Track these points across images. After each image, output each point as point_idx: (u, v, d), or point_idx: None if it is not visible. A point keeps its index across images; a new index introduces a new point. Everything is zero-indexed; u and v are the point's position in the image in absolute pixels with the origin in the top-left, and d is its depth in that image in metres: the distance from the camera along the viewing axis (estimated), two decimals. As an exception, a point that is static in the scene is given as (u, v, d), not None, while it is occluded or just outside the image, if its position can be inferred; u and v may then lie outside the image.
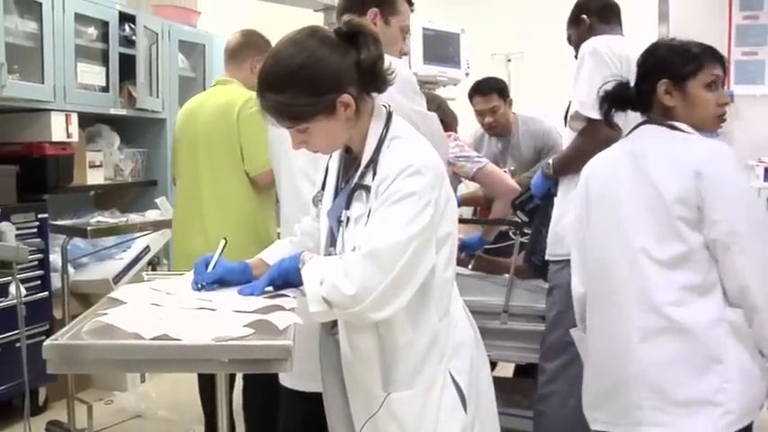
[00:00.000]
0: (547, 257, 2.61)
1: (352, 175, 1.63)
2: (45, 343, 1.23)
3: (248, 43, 2.93)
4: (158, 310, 1.49)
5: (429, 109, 2.25)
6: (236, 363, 1.27)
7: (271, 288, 1.61)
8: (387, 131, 1.60)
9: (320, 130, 1.56)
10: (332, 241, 1.68)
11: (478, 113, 3.63)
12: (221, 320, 1.42)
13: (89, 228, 3.05)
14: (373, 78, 1.57)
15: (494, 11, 5.23)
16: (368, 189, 1.56)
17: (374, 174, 1.56)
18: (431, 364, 1.59)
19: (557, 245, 2.56)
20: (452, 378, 1.61)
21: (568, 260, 2.53)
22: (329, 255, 1.66)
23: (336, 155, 1.73)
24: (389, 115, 1.63)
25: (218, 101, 2.84)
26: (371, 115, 1.61)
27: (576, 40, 2.73)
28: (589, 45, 2.51)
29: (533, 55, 4.97)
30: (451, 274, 1.65)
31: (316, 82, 1.50)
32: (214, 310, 1.52)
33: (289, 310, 1.52)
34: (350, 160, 1.68)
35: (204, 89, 4.75)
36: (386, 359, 1.59)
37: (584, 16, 2.71)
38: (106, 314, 1.39)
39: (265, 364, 1.27)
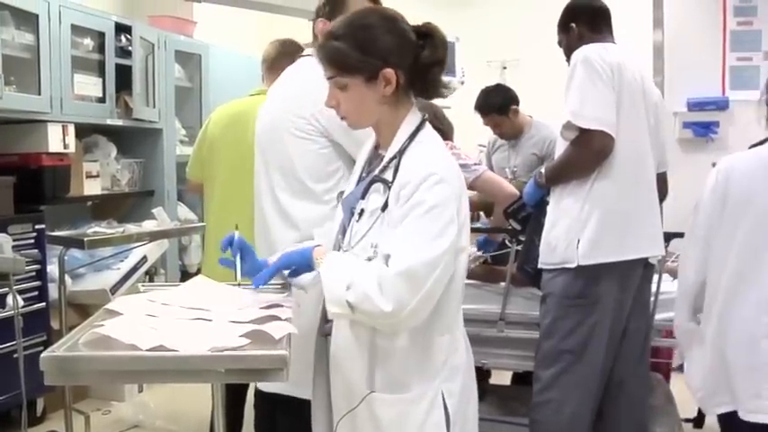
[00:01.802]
0: (540, 266, 2.61)
1: (375, 167, 1.70)
2: (42, 355, 1.23)
3: (285, 53, 2.93)
4: (154, 320, 1.50)
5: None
6: (232, 373, 1.27)
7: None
8: (416, 134, 1.65)
9: (355, 94, 1.62)
10: (343, 230, 1.72)
11: (485, 125, 3.88)
12: (217, 331, 1.43)
13: (86, 239, 3.05)
14: (424, 78, 1.64)
15: (489, 18, 5.25)
16: (386, 183, 1.61)
17: (395, 171, 1.60)
18: (423, 377, 1.61)
19: (549, 253, 2.57)
20: (443, 399, 1.62)
21: (561, 269, 2.55)
22: (338, 244, 1.71)
23: (366, 149, 1.80)
24: (423, 122, 1.68)
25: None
26: (408, 113, 1.67)
27: (565, 47, 2.75)
28: (580, 54, 2.52)
29: (529, 62, 4.98)
30: (458, 287, 1.66)
31: (370, 43, 1.60)
32: (210, 320, 1.52)
33: (284, 320, 1.52)
34: (376, 155, 1.75)
35: (201, 99, 4.83)
36: (374, 359, 1.61)
37: (573, 24, 2.72)
38: (103, 325, 1.40)
39: (261, 374, 1.28)
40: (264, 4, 3.98)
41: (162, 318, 1.53)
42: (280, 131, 2.13)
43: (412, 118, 1.66)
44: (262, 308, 1.63)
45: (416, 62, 1.62)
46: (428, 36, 1.65)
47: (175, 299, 1.69)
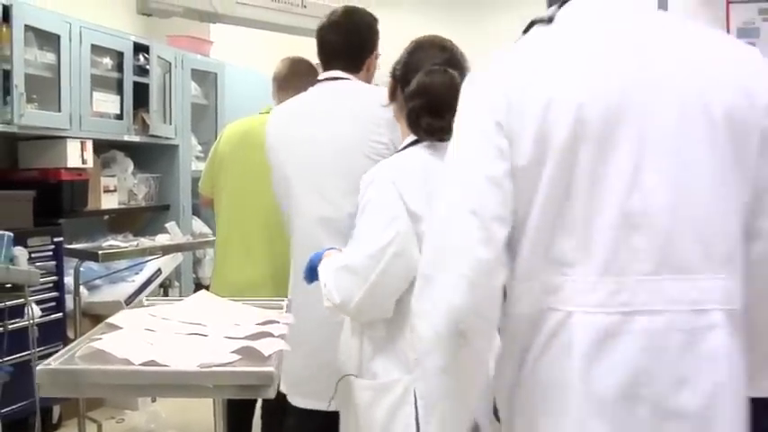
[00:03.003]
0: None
1: None
2: (38, 367, 1.31)
3: (295, 72, 2.97)
4: (152, 335, 1.58)
5: None
6: (220, 388, 1.34)
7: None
8: (397, 149, 1.84)
9: None
10: None
11: None
12: (211, 346, 1.51)
13: (100, 252, 3.16)
14: (420, 109, 1.73)
15: (489, 35, 5.31)
16: None
17: None
18: (395, 368, 1.69)
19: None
20: (415, 396, 1.62)
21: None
22: None
23: None
24: (413, 143, 1.79)
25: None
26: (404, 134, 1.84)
27: None
28: None
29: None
30: None
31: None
32: (206, 336, 1.60)
33: (277, 336, 1.60)
34: None
35: (216, 116, 4.94)
36: (361, 346, 1.76)
37: None
38: (100, 339, 1.48)
39: (249, 390, 1.35)
40: (278, 25, 4.09)
41: (160, 332, 1.61)
42: (352, 154, 2.17)
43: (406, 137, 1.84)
44: (258, 324, 1.71)
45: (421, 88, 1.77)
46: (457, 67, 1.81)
47: (176, 314, 1.77)
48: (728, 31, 4.33)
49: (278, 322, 1.70)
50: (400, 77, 1.83)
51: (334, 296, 1.65)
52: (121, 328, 1.65)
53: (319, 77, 2.36)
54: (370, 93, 2.29)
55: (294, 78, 2.95)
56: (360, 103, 2.24)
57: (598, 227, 1.18)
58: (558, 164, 1.18)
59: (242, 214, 2.91)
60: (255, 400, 3.02)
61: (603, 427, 1.15)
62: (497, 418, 1.42)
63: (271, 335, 1.59)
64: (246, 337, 1.56)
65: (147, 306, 1.93)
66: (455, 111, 1.30)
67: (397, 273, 1.63)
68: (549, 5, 1.33)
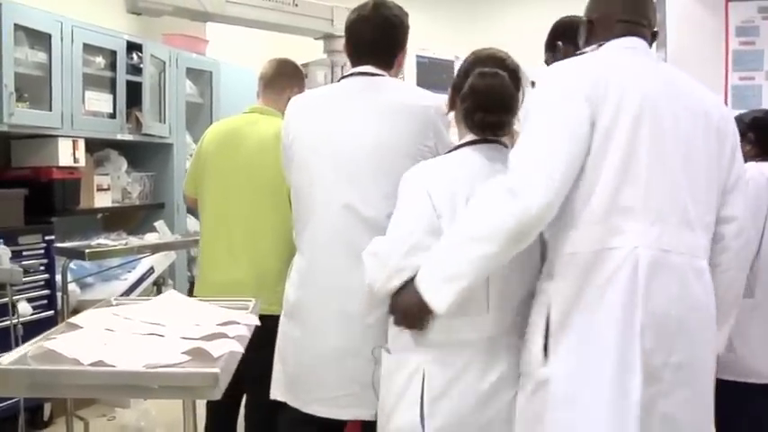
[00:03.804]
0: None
1: None
2: (-17, 368, 1.32)
3: (282, 73, 2.96)
4: (109, 335, 1.58)
5: None
6: (165, 389, 1.34)
7: None
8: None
9: None
10: None
11: None
12: (164, 347, 1.51)
13: (87, 250, 3.17)
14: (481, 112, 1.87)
15: (493, 37, 5.28)
16: None
17: None
18: (411, 345, 1.82)
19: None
20: (423, 377, 1.78)
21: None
22: None
23: None
24: (460, 146, 1.94)
25: (266, 132, 2.78)
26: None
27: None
28: None
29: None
30: None
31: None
32: (163, 336, 1.60)
33: (233, 337, 1.59)
34: None
35: (212, 114, 4.94)
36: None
37: (560, 43, 2.75)
38: (55, 339, 1.48)
39: (194, 392, 1.34)
40: (269, 23, 4.08)
41: (118, 332, 1.61)
42: (395, 156, 2.10)
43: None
44: (219, 324, 1.71)
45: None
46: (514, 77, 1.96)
47: (139, 313, 1.77)
48: (727, 29, 4.34)
49: (238, 323, 1.70)
50: (458, 86, 1.93)
51: (366, 279, 1.82)
52: (82, 327, 1.65)
53: (351, 71, 2.28)
54: (420, 94, 2.26)
55: (280, 79, 2.95)
56: (410, 104, 2.17)
57: (654, 188, 1.68)
58: (628, 129, 1.68)
59: (225, 214, 2.90)
60: (239, 402, 3.01)
61: (650, 338, 1.63)
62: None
63: (226, 336, 1.58)
64: (202, 338, 1.55)
65: (115, 305, 1.93)
66: (507, 108, 1.85)
67: (415, 263, 1.75)
68: (585, 46, 1.95)
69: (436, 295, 1.69)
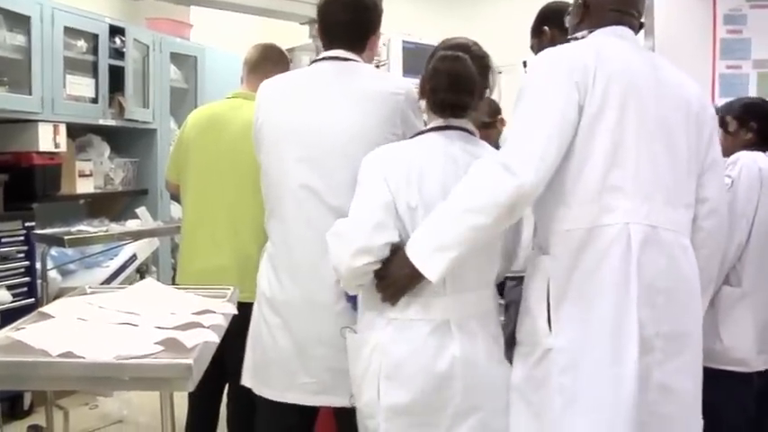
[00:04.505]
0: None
1: None
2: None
3: (267, 58, 2.91)
4: (81, 325, 1.54)
5: None
6: (136, 381, 1.30)
7: None
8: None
9: None
10: None
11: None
12: (137, 337, 1.47)
13: (66, 237, 3.12)
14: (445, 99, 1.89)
15: (485, 23, 5.25)
16: None
17: None
18: (373, 324, 1.86)
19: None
20: (381, 355, 1.81)
21: (523, 276, 2.56)
22: None
23: None
24: (423, 131, 1.98)
25: (249, 117, 2.62)
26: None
27: (538, 51, 2.74)
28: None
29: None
30: None
31: None
32: (136, 325, 1.56)
33: (207, 327, 1.56)
34: None
35: (196, 100, 4.88)
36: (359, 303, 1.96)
37: (546, 28, 2.72)
38: (24, 329, 1.44)
39: (166, 383, 1.31)
40: (254, 8, 4.02)
41: (91, 322, 1.57)
42: (363, 144, 2.05)
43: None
44: (194, 313, 1.68)
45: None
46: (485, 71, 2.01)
47: (114, 302, 1.74)
48: (714, 17, 4.32)
49: (214, 312, 1.66)
50: (425, 73, 1.96)
51: (331, 261, 1.82)
52: (53, 317, 1.61)
53: (322, 56, 2.25)
54: (391, 80, 2.23)
55: (265, 64, 2.90)
56: (380, 90, 2.14)
57: (642, 168, 1.79)
58: (615, 114, 1.78)
59: (208, 200, 2.86)
60: (221, 390, 2.99)
61: (643, 309, 1.74)
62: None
63: (201, 325, 1.55)
64: (176, 328, 1.52)
65: (90, 294, 1.89)
66: (467, 90, 1.88)
67: (377, 241, 1.77)
68: (574, 32, 2.03)
69: (428, 264, 1.74)
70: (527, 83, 1.84)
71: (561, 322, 1.81)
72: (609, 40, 1.93)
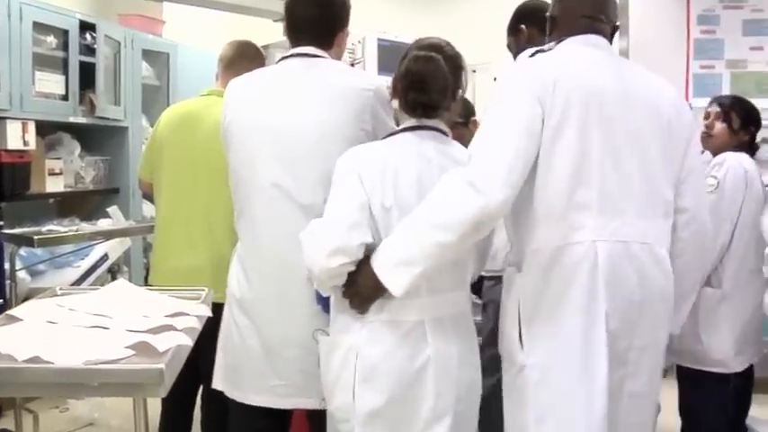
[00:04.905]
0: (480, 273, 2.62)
1: None
2: None
3: (243, 55, 2.87)
4: (50, 328, 1.50)
5: None
6: (106, 387, 1.27)
7: None
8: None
9: None
10: None
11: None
12: (107, 341, 1.44)
13: (36, 237, 3.06)
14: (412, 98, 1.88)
15: (458, 21, 5.24)
16: None
17: None
18: (347, 327, 1.85)
19: (490, 261, 2.56)
20: (356, 357, 1.80)
21: (501, 276, 2.55)
22: None
23: None
24: (396, 131, 1.96)
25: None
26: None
27: (515, 50, 2.74)
28: (526, 57, 2.52)
29: (500, 65, 4.97)
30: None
31: None
32: (107, 328, 1.53)
33: (181, 330, 1.53)
34: None
35: (168, 97, 4.82)
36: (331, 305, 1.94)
37: (523, 26, 2.71)
38: (-10, 333, 1.40)
39: (137, 389, 1.28)
40: (231, 5, 3.98)
41: (60, 325, 1.53)
42: (332, 141, 2.05)
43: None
44: (167, 315, 1.64)
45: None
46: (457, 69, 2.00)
47: (84, 304, 1.70)
48: (688, 18, 4.35)
49: (187, 314, 1.63)
50: (397, 72, 1.95)
51: (306, 262, 1.81)
52: (22, 320, 1.56)
53: (290, 52, 2.22)
54: (360, 76, 2.21)
55: (241, 61, 2.86)
56: (349, 87, 2.12)
57: (608, 183, 1.79)
58: (576, 128, 1.77)
59: (182, 199, 2.82)
60: (195, 393, 2.94)
61: (614, 324, 1.77)
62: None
63: (174, 328, 1.51)
64: (148, 331, 1.48)
65: (60, 295, 1.85)
66: (438, 89, 1.86)
67: (353, 241, 1.75)
68: (548, 41, 2.02)
69: (392, 278, 1.74)
70: (493, 98, 1.85)
71: (533, 340, 1.83)
72: (577, 50, 1.92)
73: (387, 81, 2.11)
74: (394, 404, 1.80)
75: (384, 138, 1.97)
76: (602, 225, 1.78)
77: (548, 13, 2.06)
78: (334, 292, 1.88)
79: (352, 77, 2.17)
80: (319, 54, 2.18)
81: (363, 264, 1.77)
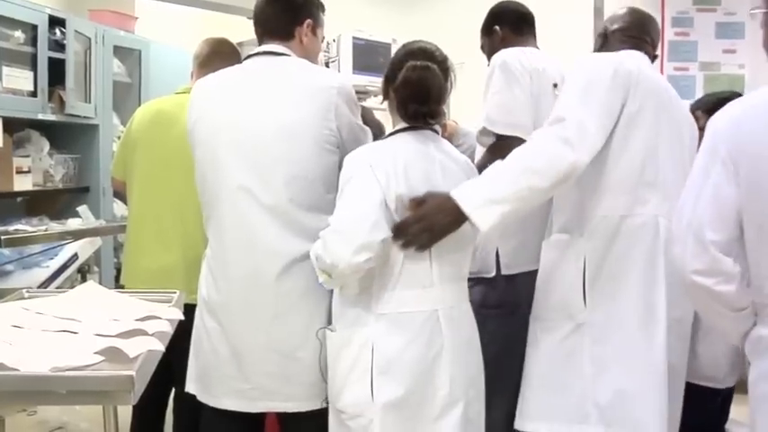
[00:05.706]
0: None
1: None
2: None
3: (218, 52, 2.85)
4: (16, 333, 1.46)
5: None
6: (74, 395, 1.23)
7: None
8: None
9: None
10: None
11: None
12: (75, 346, 1.40)
13: (3, 237, 2.99)
14: (406, 100, 1.97)
15: (433, 21, 5.24)
16: None
17: None
18: (359, 320, 1.89)
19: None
20: (372, 349, 1.85)
21: (479, 278, 2.54)
22: None
23: None
24: (395, 132, 2.05)
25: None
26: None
27: (488, 51, 2.73)
28: (499, 58, 2.51)
29: (474, 65, 4.95)
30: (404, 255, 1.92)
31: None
32: (76, 333, 1.48)
33: (152, 334, 1.49)
34: None
35: (140, 95, 4.74)
36: (332, 300, 2.01)
37: (497, 27, 2.71)
38: (-49, 339, 1.35)
39: (106, 397, 1.24)
40: (205, 1, 3.92)
41: (27, 329, 1.49)
42: (297, 140, 2.05)
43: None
44: (137, 319, 1.60)
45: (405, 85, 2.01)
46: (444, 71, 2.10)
47: (52, 308, 1.66)
48: (663, 20, 4.38)
49: (159, 318, 1.59)
50: (390, 77, 2.02)
51: (325, 259, 1.82)
52: (-14, 324, 1.51)
53: (255, 51, 2.22)
54: (324, 74, 2.21)
55: (216, 59, 2.82)
56: (312, 85, 2.11)
57: (667, 169, 2.11)
58: (651, 116, 2.09)
59: (154, 198, 2.78)
60: (167, 396, 2.90)
61: (669, 291, 2.02)
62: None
63: (145, 333, 1.47)
64: (118, 335, 1.44)
65: (27, 298, 1.79)
66: (437, 99, 1.98)
67: (377, 238, 1.81)
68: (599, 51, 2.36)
69: (481, 213, 1.85)
70: (579, 75, 2.09)
71: (594, 299, 2.07)
72: (638, 56, 2.23)
73: (365, 80, 2.13)
74: (412, 394, 1.84)
75: (385, 137, 2.05)
76: (661, 203, 2.08)
77: (602, 31, 2.41)
78: (343, 288, 1.94)
79: (315, 75, 2.15)
80: (283, 52, 2.17)
81: (435, 200, 1.86)
